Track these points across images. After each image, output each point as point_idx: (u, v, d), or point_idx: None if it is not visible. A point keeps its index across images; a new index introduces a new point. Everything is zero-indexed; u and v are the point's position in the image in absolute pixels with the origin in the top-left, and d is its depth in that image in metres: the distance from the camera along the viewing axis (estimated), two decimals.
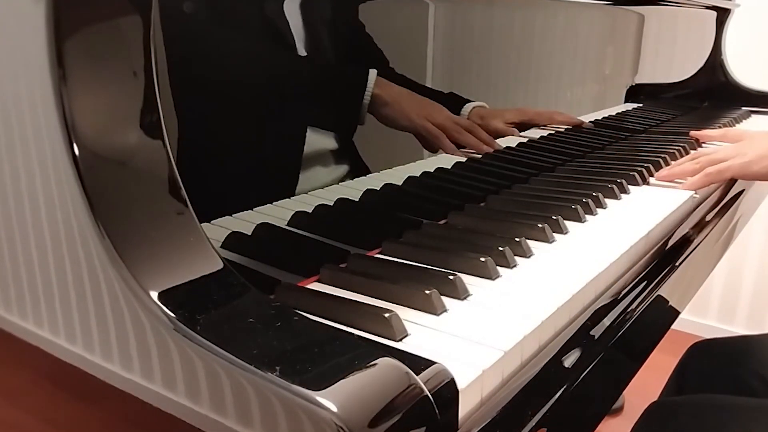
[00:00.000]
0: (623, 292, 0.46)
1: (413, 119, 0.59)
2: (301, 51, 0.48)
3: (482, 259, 0.43)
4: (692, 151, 0.83)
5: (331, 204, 0.52)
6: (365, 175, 0.56)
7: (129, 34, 0.29)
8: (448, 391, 0.28)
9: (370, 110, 0.54)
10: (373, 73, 0.54)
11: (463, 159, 0.67)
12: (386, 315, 0.34)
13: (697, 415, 0.61)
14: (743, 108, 1.24)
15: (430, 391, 0.27)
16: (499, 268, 0.44)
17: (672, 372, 0.82)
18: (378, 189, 0.57)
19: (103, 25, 0.28)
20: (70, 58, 0.27)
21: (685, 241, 0.58)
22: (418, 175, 0.62)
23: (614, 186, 0.65)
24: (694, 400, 0.67)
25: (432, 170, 0.63)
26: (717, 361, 0.78)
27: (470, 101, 0.67)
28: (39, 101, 0.28)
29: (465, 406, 0.30)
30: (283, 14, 0.46)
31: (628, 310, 0.44)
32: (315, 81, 0.50)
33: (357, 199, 0.54)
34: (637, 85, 1.06)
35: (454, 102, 0.66)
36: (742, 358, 0.76)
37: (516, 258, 0.46)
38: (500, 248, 0.45)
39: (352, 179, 0.55)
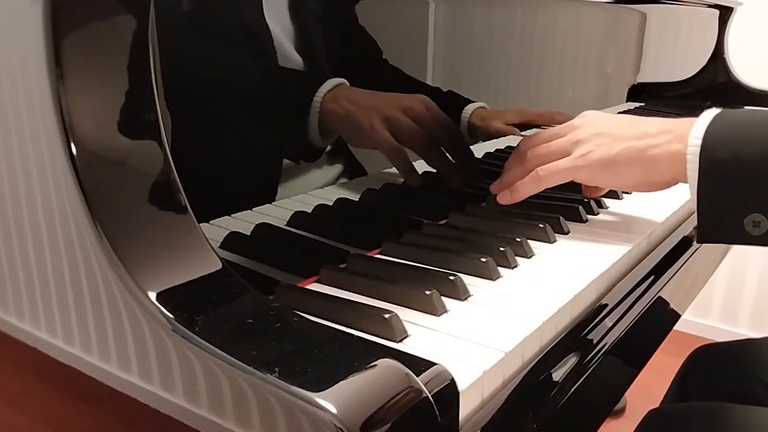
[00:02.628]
0: (625, 293, 0.45)
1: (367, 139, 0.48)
2: (291, 52, 0.48)
3: (483, 260, 0.43)
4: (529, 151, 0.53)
5: (331, 204, 0.52)
6: (365, 175, 0.56)
7: (127, 33, 0.29)
8: (448, 393, 0.28)
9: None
10: (329, 82, 0.46)
11: None
12: (386, 316, 0.34)
13: (697, 424, 0.60)
14: (746, 107, 1.24)
15: (430, 393, 0.27)
16: (500, 268, 0.44)
17: (674, 377, 0.82)
18: (378, 189, 0.56)
19: (100, 24, 0.28)
20: (68, 57, 0.27)
21: (687, 242, 0.57)
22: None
23: None
24: (695, 408, 0.66)
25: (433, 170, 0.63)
26: (719, 367, 0.77)
27: (471, 101, 0.66)
28: (36, 101, 0.28)
29: (465, 408, 0.30)
30: (275, 13, 0.46)
31: (630, 311, 0.43)
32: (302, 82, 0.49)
33: (357, 199, 0.54)
34: (639, 84, 1.05)
35: (454, 101, 0.65)
36: (745, 363, 0.75)
37: (517, 258, 0.46)
38: (501, 248, 0.45)
39: (352, 179, 0.54)
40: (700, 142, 0.45)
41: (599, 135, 0.50)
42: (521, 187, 0.52)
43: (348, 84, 0.49)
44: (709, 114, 0.47)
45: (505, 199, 0.52)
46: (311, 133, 0.47)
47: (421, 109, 0.52)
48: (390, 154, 0.50)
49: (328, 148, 0.52)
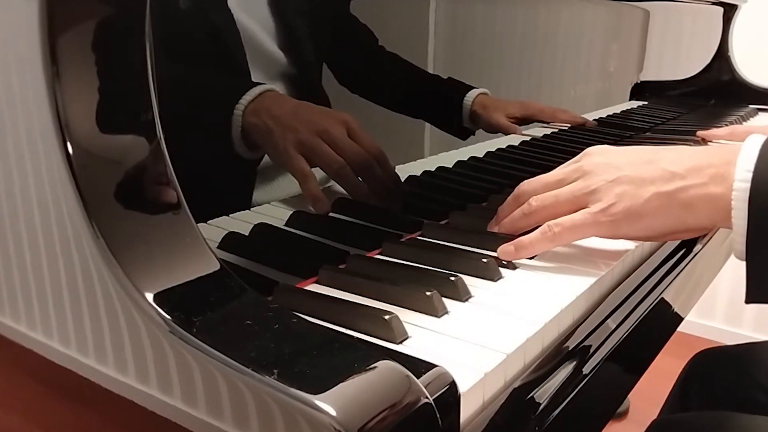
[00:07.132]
0: (627, 295, 0.45)
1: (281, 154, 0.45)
2: (273, 49, 0.47)
3: (484, 260, 0.43)
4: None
5: (330, 204, 0.52)
6: None
7: (123, 31, 0.28)
8: (449, 395, 0.28)
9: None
10: (253, 91, 0.44)
11: (464, 158, 0.67)
12: (386, 317, 0.34)
13: None
14: (750, 106, 1.23)
15: (431, 395, 0.26)
16: (501, 269, 0.43)
17: (675, 383, 0.81)
18: None
19: (96, 21, 0.28)
20: (64, 55, 0.27)
21: (691, 243, 0.57)
22: (418, 174, 0.61)
23: None
24: (698, 418, 0.65)
25: (433, 169, 0.62)
26: (720, 373, 0.76)
27: (473, 87, 0.66)
28: (32, 99, 0.28)
29: (466, 410, 0.30)
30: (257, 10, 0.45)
31: (633, 313, 0.43)
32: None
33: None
34: (642, 82, 1.05)
35: (455, 88, 0.65)
36: (746, 368, 0.74)
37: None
38: None
39: None
40: (748, 185, 0.38)
41: (617, 182, 0.43)
42: (530, 246, 0.44)
43: (276, 91, 0.46)
44: (754, 144, 0.39)
45: (509, 256, 0.44)
46: (236, 145, 0.45)
47: (339, 132, 0.49)
48: (299, 180, 0.48)
49: None
